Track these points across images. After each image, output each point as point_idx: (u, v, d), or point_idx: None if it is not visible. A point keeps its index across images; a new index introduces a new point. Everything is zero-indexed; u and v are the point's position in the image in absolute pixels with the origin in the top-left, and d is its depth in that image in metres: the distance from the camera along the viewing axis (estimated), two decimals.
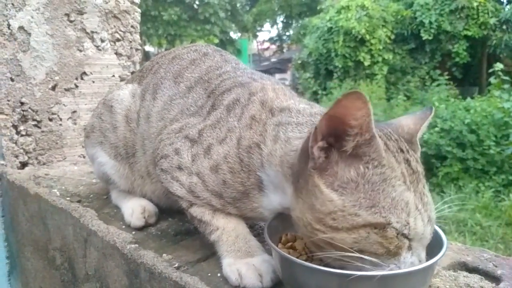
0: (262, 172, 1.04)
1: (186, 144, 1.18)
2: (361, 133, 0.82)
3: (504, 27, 12.74)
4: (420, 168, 0.89)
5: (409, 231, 0.83)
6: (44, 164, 2.23)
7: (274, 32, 31.40)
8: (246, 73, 1.31)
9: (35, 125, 2.18)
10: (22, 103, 2.13)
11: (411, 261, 0.85)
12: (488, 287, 1.00)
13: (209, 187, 1.12)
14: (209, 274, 1.10)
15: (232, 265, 1.04)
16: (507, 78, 8.57)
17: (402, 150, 0.89)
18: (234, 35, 23.84)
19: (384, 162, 0.83)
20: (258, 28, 29.32)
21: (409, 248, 0.85)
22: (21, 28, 2.09)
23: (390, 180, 0.83)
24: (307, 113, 1.06)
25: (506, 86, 8.33)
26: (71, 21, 2.23)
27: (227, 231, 1.12)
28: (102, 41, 2.33)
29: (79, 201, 1.67)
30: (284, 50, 29.21)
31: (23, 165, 2.18)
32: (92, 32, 2.30)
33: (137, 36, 2.45)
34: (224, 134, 1.12)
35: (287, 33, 28.96)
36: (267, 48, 32.28)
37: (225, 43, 20.94)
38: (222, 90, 1.24)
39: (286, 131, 1.02)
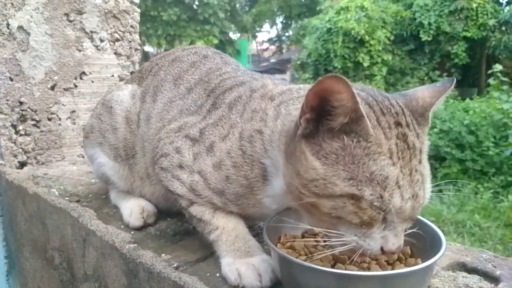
0: (266, 158, 1.04)
1: (186, 143, 1.18)
2: (346, 114, 0.84)
3: (503, 28, 12.75)
4: (419, 144, 0.89)
5: (383, 205, 0.83)
6: (43, 163, 2.22)
7: (273, 33, 31.44)
8: (246, 73, 1.33)
9: (34, 125, 2.18)
10: (21, 103, 2.12)
11: (381, 235, 0.86)
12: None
13: (211, 185, 1.12)
14: (208, 274, 1.10)
15: (232, 265, 1.04)
16: (506, 79, 8.59)
17: (399, 124, 0.88)
18: (234, 35, 23.84)
19: (371, 138, 0.84)
20: (258, 29, 29.33)
21: (384, 221, 0.86)
22: (20, 27, 2.09)
23: (373, 155, 0.84)
24: (308, 87, 1.06)
25: (505, 87, 8.34)
26: (70, 21, 2.23)
27: (226, 230, 1.12)
28: (102, 41, 2.33)
29: (78, 201, 1.67)
30: (284, 51, 29.21)
31: (22, 164, 2.17)
32: (92, 32, 2.30)
33: (137, 36, 2.45)
34: (227, 131, 1.13)
35: (287, 34, 28.98)
36: (267, 49, 32.29)
37: (225, 44, 20.94)
38: (223, 89, 1.24)
39: (287, 105, 1.05)
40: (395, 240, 0.86)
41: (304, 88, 1.09)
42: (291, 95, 1.09)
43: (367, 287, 0.84)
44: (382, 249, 0.86)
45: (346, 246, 0.87)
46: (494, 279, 1.04)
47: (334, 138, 0.86)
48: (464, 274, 1.06)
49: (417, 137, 0.89)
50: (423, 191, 0.88)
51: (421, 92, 0.98)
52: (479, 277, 1.05)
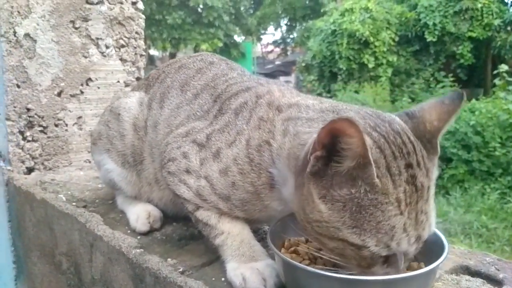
0: (274, 168, 1.04)
1: (194, 148, 1.19)
2: (354, 158, 0.82)
3: (509, 28, 12.69)
4: (427, 183, 0.87)
5: (389, 252, 0.84)
6: (50, 169, 2.25)
7: (278, 35, 31.51)
8: (252, 79, 1.34)
9: (41, 131, 2.20)
10: (28, 109, 2.15)
11: (385, 271, 0.86)
12: None
13: (217, 190, 1.13)
14: (213, 279, 1.11)
15: (237, 270, 1.05)
16: (511, 79, 8.55)
17: (410, 166, 0.85)
18: (238, 38, 23.89)
19: (378, 189, 0.82)
20: (262, 31, 29.31)
21: (386, 262, 0.86)
22: (27, 35, 2.12)
23: (380, 206, 0.83)
24: (317, 108, 1.05)
25: (511, 87, 8.29)
26: (76, 28, 2.25)
27: (232, 235, 1.13)
28: (107, 47, 2.36)
29: (85, 206, 1.69)
30: (288, 53, 29.19)
31: (30, 170, 2.20)
32: (97, 38, 2.32)
33: (142, 42, 2.47)
34: (233, 137, 1.13)
35: (291, 36, 28.96)
36: (271, 51, 32.28)
37: (229, 47, 21.00)
38: (229, 95, 1.25)
39: (295, 125, 1.02)
40: (396, 274, 0.86)
41: (313, 108, 1.06)
42: (299, 113, 1.05)
43: None
44: None
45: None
46: (498, 282, 1.04)
47: (342, 184, 0.84)
48: (468, 277, 1.07)
49: (426, 175, 0.87)
50: (428, 229, 0.87)
51: (429, 113, 0.94)
52: (482, 280, 1.05)
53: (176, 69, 1.49)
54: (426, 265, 0.90)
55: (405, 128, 0.92)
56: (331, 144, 0.83)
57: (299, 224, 0.95)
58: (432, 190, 0.89)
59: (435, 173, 0.91)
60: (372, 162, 0.81)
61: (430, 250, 0.93)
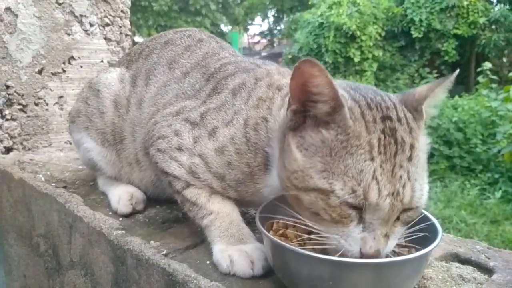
0: (269, 147, 1.03)
1: (186, 126, 1.16)
2: (325, 100, 0.84)
3: (494, 26, 12.85)
4: (410, 140, 0.85)
5: (356, 200, 0.80)
6: (29, 149, 2.18)
7: (265, 26, 31.29)
8: (247, 60, 1.31)
9: (20, 110, 2.13)
10: (7, 87, 2.07)
11: (361, 236, 0.82)
12: (481, 279, 0.99)
13: (212, 168, 1.10)
14: (198, 262, 1.08)
15: (224, 251, 1.03)
16: (495, 77, 8.66)
17: (388, 118, 0.85)
18: (225, 28, 23.74)
19: (349, 130, 0.83)
20: (249, 22, 29.15)
21: (360, 221, 0.82)
22: (7, 9, 2.03)
23: (350, 148, 0.82)
24: None
25: (494, 85, 8.40)
26: (59, 4, 2.17)
27: (221, 216, 1.10)
28: (91, 25, 2.28)
29: (64, 187, 1.63)
30: (275, 45, 29.10)
31: (8, 150, 2.13)
32: (81, 15, 2.25)
33: (127, 22, 2.40)
34: (231, 117, 1.11)
35: (278, 28, 28.87)
36: (258, 42, 32.14)
37: (216, 36, 20.83)
38: (225, 74, 1.22)
39: None
40: (373, 243, 0.81)
41: None
42: None
43: (361, 275, 0.82)
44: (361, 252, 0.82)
45: (328, 245, 0.85)
46: (488, 270, 1.03)
47: (316, 130, 0.86)
48: (458, 264, 1.05)
49: (410, 132, 0.86)
50: (409, 189, 0.82)
51: (421, 87, 0.95)
52: (472, 268, 1.04)
53: (162, 45, 1.44)
54: (418, 250, 0.88)
55: (389, 94, 0.95)
56: (303, 93, 0.86)
57: (281, 186, 0.94)
58: (419, 151, 0.86)
59: (421, 136, 0.89)
60: (344, 104, 0.83)
61: (423, 235, 0.91)
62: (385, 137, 0.83)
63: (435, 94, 0.92)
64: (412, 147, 0.85)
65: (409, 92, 0.95)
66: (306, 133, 0.87)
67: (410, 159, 0.84)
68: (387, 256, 0.85)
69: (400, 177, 0.82)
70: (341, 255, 0.83)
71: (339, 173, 0.81)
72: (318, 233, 0.86)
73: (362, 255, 0.82)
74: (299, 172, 0.85)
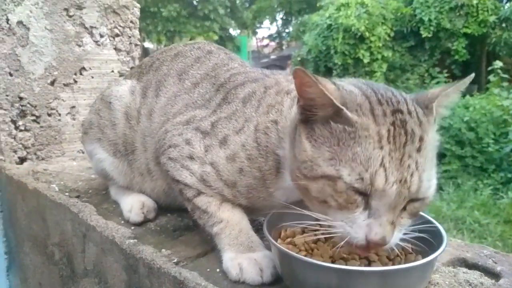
0: (280, 149, 1.05)
1: (197, 136, 1.18)
2: (323, 105, 0.87)
3: (504, 25, 12.70)
4: (420, 132, 0.86)
5: (363, 186, 0.82)
6: (42, 159, 2.22)
7: (273, 29, 31.35)
8: (256, 70, 1.34)
9: (34, 120, 2.18)
10: (20, 98, 2.12)
11: (366, 222, 0.83)
12: (488, 284, 0.99)
13: (223, 176, 1.12)
14: (208, 270, 1.10)
15: (234, 260, 1.04)
16: (506, 76, 8.58)
17: (399, 111, 0.87)
18: (234, 31, 23.83)
19: (356, 125, 0.85)
20: (258, 25, 29.21)
21: (366, 207, 0.84)
22: (20, 22, 2.08)
23: (358, 138, 0.84)
24: None
25: (505, 84, 8.33)
26: (70, 16, 2.22)
27: (230, 224, 1.12)
28: (101, 36, 2.32)
29: (77, 197, 1.67)
30: (284, 47, 29.11)
31: (22, 160, 2.17)
32: (91, 27, 2.29)
33: (136, 32, 2.44)
34: (241, 125, 1.14)
35: (287, 30, 28.88)
36: (267, 45, 32.18)
37: (225, 40, 20.90)
38: (234, 84, 1.25)
39: None
40: (378, 230, 0.82)
41: None
42: None
43: (367, 283, 0.83)
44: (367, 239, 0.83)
45: (334, 233, 0.86)
46: (495, 275, 1.04)
47: (325, 123, 0.89)
48: (465, 270, 1.06)
49: (419, 125, 0.87)
50: (417, 179, 0.83)
51: (435, 89, 0.97)
52: (479, 273, 1.04)
53: (172, 57, 1.47)
54: (424, 257, 0.89)
55: (401, 91, 0.97)
56: (303, 99, 0.91)
57: (292, 178, 0.96)
58: (427, 144, 0.87)
59: (431, 131, 0.90)
60: (342, 107, 0.85)
61: (429, 241, 0.92)
62: (395, 129, 0.85)
63: (448, 94, 0.94)
64: (421, 139, 0.86)
65: (422, 92, 0.97)
66: (315, 125, 0.90)
67: (419, 150, 0.85)
68: (392, 251, 0.87)
69: (409, 166, 0.83)
70: (347, 244, 0.85)
71: (347, 160, 0.83)
72: (325, 223, 0.88)
73: (368, 243, 0.83)
74: (308, 162, 0.88)
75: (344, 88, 0.91)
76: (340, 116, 0.86)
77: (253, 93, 1.18)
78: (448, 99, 0.95)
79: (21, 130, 2.15)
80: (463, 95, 9.28)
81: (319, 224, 0.91)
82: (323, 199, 0.86)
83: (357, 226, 0.84)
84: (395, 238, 0.85)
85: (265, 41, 32.14)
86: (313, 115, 0.91)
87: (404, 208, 0.86)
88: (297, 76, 0.87)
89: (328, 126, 0.88)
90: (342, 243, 0.85)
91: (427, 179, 0.86)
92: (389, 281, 0.84)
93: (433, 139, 0.90)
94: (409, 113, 0.88)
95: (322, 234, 0.89)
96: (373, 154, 0.82)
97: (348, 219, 0.85)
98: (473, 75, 0.98)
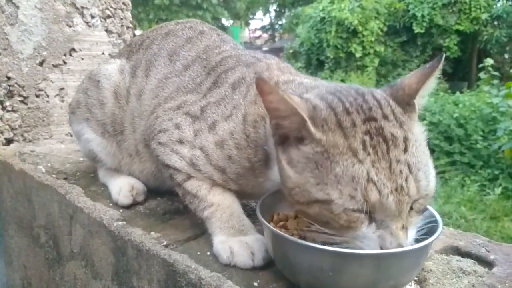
0: (268, 146, 1.02)
1: (187, 120, 1.16)
2: (286, 116, 0.85)
3: (496, 23, 12.78)
4: (402, 133, 0.83)
5: (357, 205, 0.79)
6: (30, 141, 2.18)
7: (266, 21, 31.27)
8: (248, 53, 1.31)
9: (21, 101, 2.13)
10: (8, 78, 2.07)
11: (377, 234, 0.81)
12: (481, 272, 0.99)
13: (212, 161, 1.10)
14: (198, 253, 1.08)
15: (224, 243, 1.03)
16: (496, 73, 8.62)
17: (372, 119, 0.84)
18: (226, 22, 23.64)
19: (323, 143, 0.82)
20: (251, 16, 29.04)
21: (372, 221, 0.81)
22: (9, 0, 2.03)
23: (332, 157, 0.81)
24: (307, 86, 1.05)
25: (496, 81, 8.37)
26: None
27: (221, 207, 1.10)
28: (92, 17, 2.27)
29: (65, 178, 1.64)
30: (276, 39, 29.03)
31: (9, 141, 2.13)
32: (82, 7, 2.24)
33: (129, 14, 2.39)
34: (230, 111, 1.11)
35: (280, 22, 28.80)
36: (259, 37, 32.05)
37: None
38: (225, 68, 1.22)
39: None
40: (392, 239, 0.80)
41: (305, 86, 1.05)
42: (291, 90, 1.05)
43: (361, 266, 0.82)
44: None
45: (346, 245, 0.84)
46: (488, 264, 1.03)
47: (297, 146, 0.86)
48: (458, 258, 1.05)
49: (400, 126, 0.84)
50: (413, 182, 0.81)
51: (409, 79, 0.92)
52: (472, 261, 1.04)
53: (162, 36, 1.44)
54: (417, 243, 0.87)
55: (374, 91, 0.93)
56: (268, 111, 0.88)
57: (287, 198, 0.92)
58: (414, 142, 0.84)
59: (415, 126, 0.87)
60: (306, 117, 0.83)
61: (423, 227, 0.91)
62: (371, 138, 0.81)
63: (426, 86, 0.91)
64: (406, 139, 0.83)
65: (397, 86, 0.92)
66: (291, 150, 0.87)
67: (406, 151, 0.82)
68: None
69: (400, 171, 0.80)
70: None
71: (332, 183, 0.80)
72: (336, 239, 0.84)
73: None
74: (296, 188, 0.85)
75: (310, 102, 0.87)
76: (309, 134, 0.83)
77: (243, 79, 1.16)
78: (428, 90, 0.92)
79: (8, 111, 2.10)
80: (453, 92, 9.36)
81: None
82: (325, 221, 0.83)
83: (368, 240, 0.82)
84: (410, 237, 0.84)
85: (258, 33, 32.04)
86: (284, 133, 0.88)
87: (411, 208, 0.84)
88: (257, 85, 0.84)
89: (300, 151, 0.85)
90: None
91: (424, 176, 0.83)
92: (383, 264, 0.82)
93: (419, 133, 0.87)
94: (385, 117, 0.85)
95: (333, 245, 0.84)
96: (355, 171, 0.79)
97: (357, 236, 0.82)
98: (443, 55, 0.95)
